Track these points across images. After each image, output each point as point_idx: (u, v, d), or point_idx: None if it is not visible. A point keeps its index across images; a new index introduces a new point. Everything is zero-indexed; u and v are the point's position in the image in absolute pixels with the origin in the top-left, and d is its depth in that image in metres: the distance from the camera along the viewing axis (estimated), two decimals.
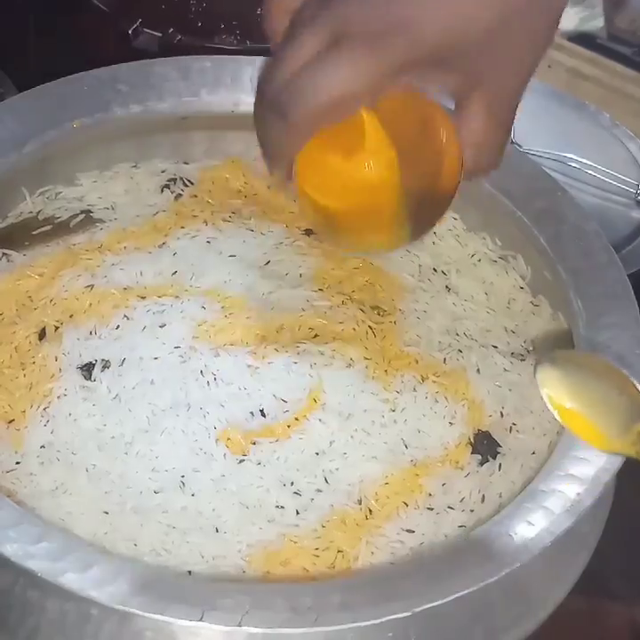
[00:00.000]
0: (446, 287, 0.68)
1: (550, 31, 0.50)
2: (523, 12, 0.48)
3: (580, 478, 0.53)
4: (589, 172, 0.86)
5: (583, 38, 1.07)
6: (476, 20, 0.47)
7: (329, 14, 0.48)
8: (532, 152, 0.85)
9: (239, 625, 0.46)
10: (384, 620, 0.46)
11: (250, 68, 0.70)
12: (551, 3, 0.49)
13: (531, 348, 0.65)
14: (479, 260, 0.70)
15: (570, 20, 1.08)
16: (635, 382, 0.56)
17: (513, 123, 0.52)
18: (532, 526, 0.51)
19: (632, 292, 0.61)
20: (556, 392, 0.58)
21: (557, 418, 0.57)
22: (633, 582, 0.59)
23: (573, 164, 0.86)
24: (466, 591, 0.47)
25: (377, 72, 0.47)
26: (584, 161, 0.86)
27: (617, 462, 0.54)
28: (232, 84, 0.70)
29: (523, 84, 0.50)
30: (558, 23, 0.50)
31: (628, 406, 0.55)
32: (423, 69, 0.47)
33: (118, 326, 0.63)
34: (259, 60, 0.69)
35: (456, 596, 0.47)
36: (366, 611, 0.47)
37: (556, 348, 0.64)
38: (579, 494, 0.52)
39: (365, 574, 0.51)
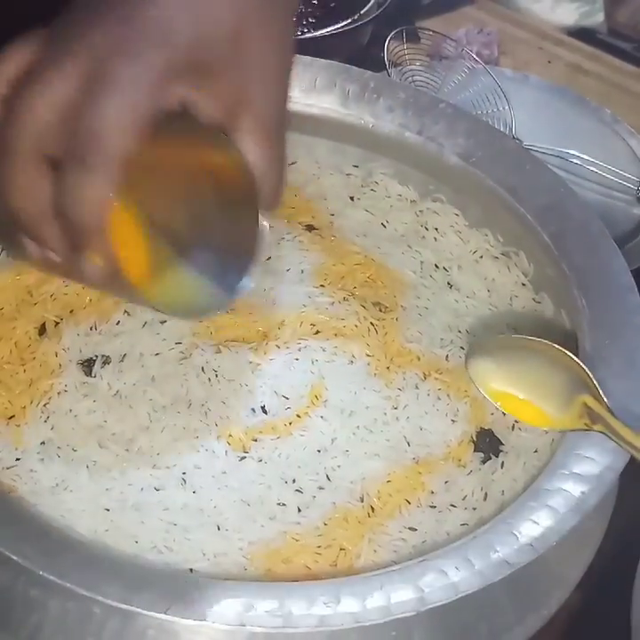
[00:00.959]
0: (448, 283, 0.68)
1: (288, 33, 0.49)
2: (260, 12, 0.47)
3: (585, 477, 0.53)
4: (590, 168, 0.86)
5: (583, 33, 1.07)
6: (221, 21, 0.46)
7: (71, 44, 0.43)
8: (532, 148, 0.84)
9: (242, 624, 0.45)
10: (388, 619, 0.46)
11: None
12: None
13: None
14: (481, 257, 0.70)
15: (570, 15, 1.08)
16: (569, 354, 0.56)
17: (285, 143, 0.49)
18: (537, 525, 0.51)
19: (636, 289, 0.61)
20: (490, 378, 0.58)
21: (499, 407, 0.57)
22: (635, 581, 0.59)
23: (574, 160, 0.86)
24: (471, 590, 0.47)
25: (142, 91, 0.43)
26: (585, 157, 0.86)
27: (622, 461, 0.53)
28: None
29: (285, 86, 0.49)
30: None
31: (567, 381, 0.55)
32: (185, 80, 0.45)
33: (119, 322, 0.62)
34: None
35: (461, 595, 0.47)
36: (371, 610, 0.47)
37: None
38: (583, 493, 0.51)
39: (372, 572, 0.50)
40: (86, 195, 0.42)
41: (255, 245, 0.49)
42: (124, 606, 0.45)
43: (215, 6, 0.46)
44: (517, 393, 0.57)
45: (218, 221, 0.49)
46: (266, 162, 0.48)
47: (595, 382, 0.54)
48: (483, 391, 0.58)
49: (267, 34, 0.47)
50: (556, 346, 0.57)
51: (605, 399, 0.54)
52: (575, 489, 0.52)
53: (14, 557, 0.46)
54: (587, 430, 0.54)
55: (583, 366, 0.55)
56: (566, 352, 0.56)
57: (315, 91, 0.70)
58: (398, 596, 0.47)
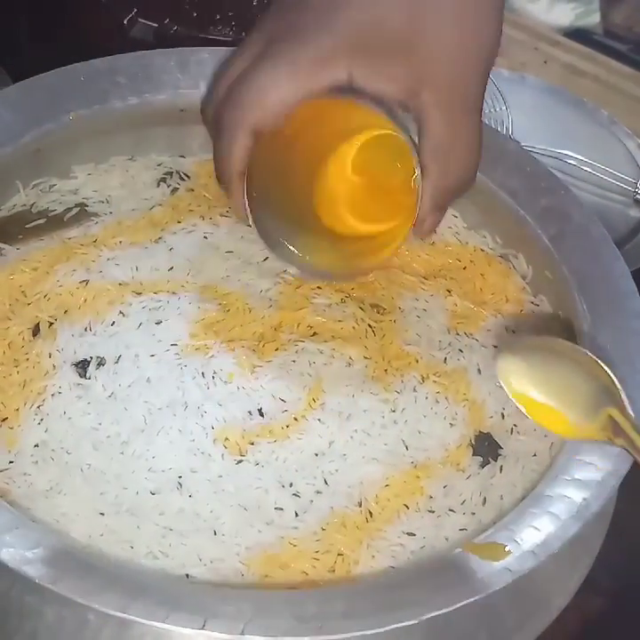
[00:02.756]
0: (446, 285, 0.68)
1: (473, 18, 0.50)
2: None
3: (587, 483, 0.52)
4: (587, 169, 0.86)
5: (579, 34, 1.07)
6: (394, 7, 0.49)
7: (253, 33, 0.52)
8: (528, 149, 0.84)
9: (242, 633, 0.45)
10: (390, 628, 0.45)
11: None
12: None
13: None
14: (480, 259, 0.69)
15: (566, 15, 1.08)
16: (601, 363, 0.54)
17: (480, 123, 0.51)
18: (539, 532, 0.50)
19: (637, 292, 0.60)
20: (519, 382, 0.56)
21: (521, 409, 0.56)
22: (636, 586, 0.59)
23: (571, 162, 0.86)
24: (473, 598, 0.47)
25: (295, 66, 0.49)
26: (581, 158, 0.86)
27: (624, 466, 0.53)
28: None
29: (476, 71, 0.50)
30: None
31: (595, 390, 0.54)
32: (350, 65, 0.49)
33: (114, 323, 0.61)
34: None
35: (463, 603, 0.46)
36: (371, 618, 0.46)
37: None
38: (585, 499, 0.51)
39: (369, 579, 0.50)
40: (221, 154, 0.54)
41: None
42: (121, 615, 0.44)
43: (391, 6, 0.49)
44: (541, 397, 0.56)
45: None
46: (449, 136, 0.51)
47: (623, 395, 0.53)
48: (507, 391, 0.57)
49: (453, 22, 0.49)
50: (588, 353, 0.55)
51: (632, 414, 0.53)
52: (577, 495, 0.52)
53: (10, 565, 0.45)
54: (608, 443, 0.53)
55: (613, 377, 0.54)
56: (597, 360, 0.55)
57: None
58: (400, 604, 0.47)
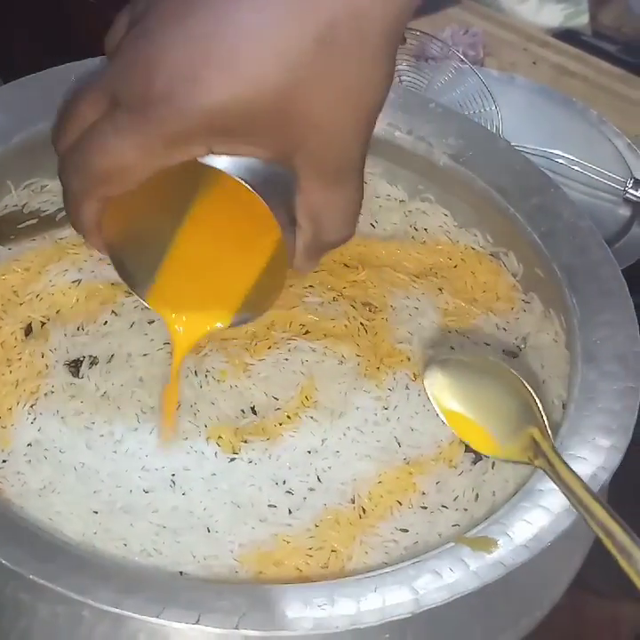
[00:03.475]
0: (437, 284, 0.68)
1: (359, 79, 0.45)
2: (314, 66, 0.44)
3: None
4: (576, 168, 0.86)
5: (568, 35, 1.07)
6: (265, 81, 0.44)
7: (103, 82, 0.47)
8: (518, 148, 0.84)
9: (236, 627, 0.45)
10: (384, 621, 0.45)
11: None
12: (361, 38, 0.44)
13: (522, 346, 0.65)
14: (470, 257, 0.69)
15: (555, 16, 1.08)
16: (524, 382, 0.54)
17: (359, 185, 0.48)
18: (531, 526, 0.50)
19: (627, 290, 0.61)
20: (445, 396, 0.57)
21: (446, 423, 0.56)
22: (627, 582, 0.59)
23: (560, 161, 0.86)
24: (466, 591, 0.47)
25: (145, 144, 0.45)
26: (571, 157, 0.86)
27: (615, 461, 0.53)
28: None
29: (353, 133, 0.47)
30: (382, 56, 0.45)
31: (518, 410, 0.54)
32: (209, 140, 0.45)
33: (106, 322, 0.62)
34: None
35: (456, 596, 0.47)
36: (365, 612, 0.46)
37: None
38: None
39: (364, 574, 0.50)
40: (69, 213, 0.51)
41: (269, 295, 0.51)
42: (115, 610, 0.44)
43: (259, 65, 0.44)
44: (468, 414, 0.56)
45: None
46: (322, 200, 0.48)
47: (543, 415, 0.53)
48: (436, 408, 0.57)
49: (325, 85, 0.44)
50: (513, 371, 0.56)
51: (551, 435, 0.53)
52: None
53: (4, 561, 0.45)
54: (527, 464, 0.53)
55: (535, 397, 0.54)
56: (520, 379, 0.55)
57: None
58: (393, 598, 0.47)
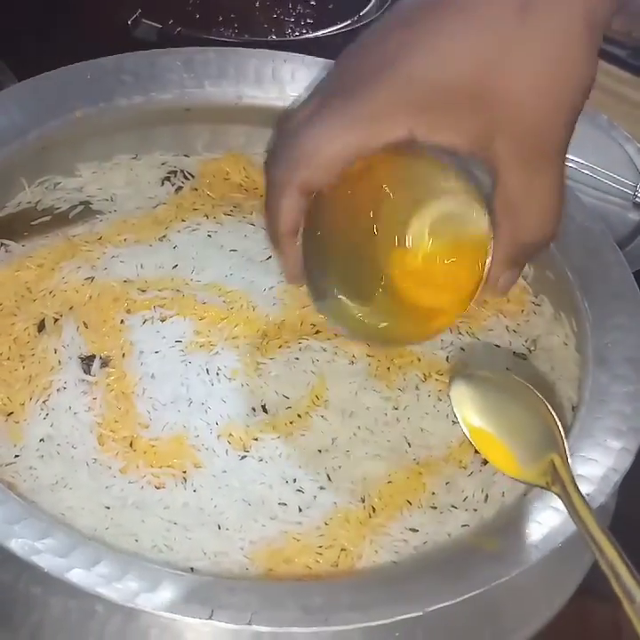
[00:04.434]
0: None
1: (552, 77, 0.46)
2: (520, 34, 0.45)
3: (589, 478, 0.53)
4: (586, 172, 0.86)
5: None
6: (461, 72, 0.45)
7: (314, 90, 0.52)
8: None
9: (249, 623, 0.45)
10: (395, 619, 0.46)
11: (254, 60, 0.69)
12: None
13: (532, 348, 0.65)
14: None
15: None
16: (550, 408, 0.54)
17: (560, 176, 0.48)
18: (542, 526, 0.51)
19: (638, 291, 0.61)
20: (470, 412, 0.56)
21: (469, 439, 0.55)
22: None
23: (571, 165, 0.86)
24: (477, 591, 0.47)
25: (351, 121, 0.47)
26: (581, 162, 0.86)
27: (626, 462, 0.53)
28: (235, 76, 0.69)
29: (556, 112, 0.46)
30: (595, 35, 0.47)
31: (542, 433, 0.54)
32: (412, 121, 0.46)
33: (119, 320, 0.62)
34: (262, 53, 0.70)
35: (468, 595, 0.47)
36: (377, 610, 0.46)
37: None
38: (588, 494, 0.51)
39: (373, 573, 0.50)
40: (269, 212, 0.52)
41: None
42: (130, 605, 0.44)
43: (456, 58, 0.45)
44: (493, 432, 0.55)
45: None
46: (523, 191, 0.47)
47: (565, 443, 0.52)
48: (461, 422, 0.56)
49: (527, 58, 0.45)
50: (539, 395, 0.55)
51: (570, 463, 0.52)
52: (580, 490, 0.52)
53: (19, 555, 0.45)
54: (545, 489, 0.52)
55: (559, 424, 0.53)
56: (546, 404, 0.54)
57: None
58: (405, 596, 0.47)
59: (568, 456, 0.52)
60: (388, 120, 0.46)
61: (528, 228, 0.48)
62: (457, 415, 0.56)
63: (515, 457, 0.54)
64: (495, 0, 0.46)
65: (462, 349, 0.64)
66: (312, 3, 0.90)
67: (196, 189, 0.70)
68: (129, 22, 0.80)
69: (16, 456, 0.56)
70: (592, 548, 0.47)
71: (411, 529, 0.56)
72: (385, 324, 0.55)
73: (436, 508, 0.57)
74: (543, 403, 0.54)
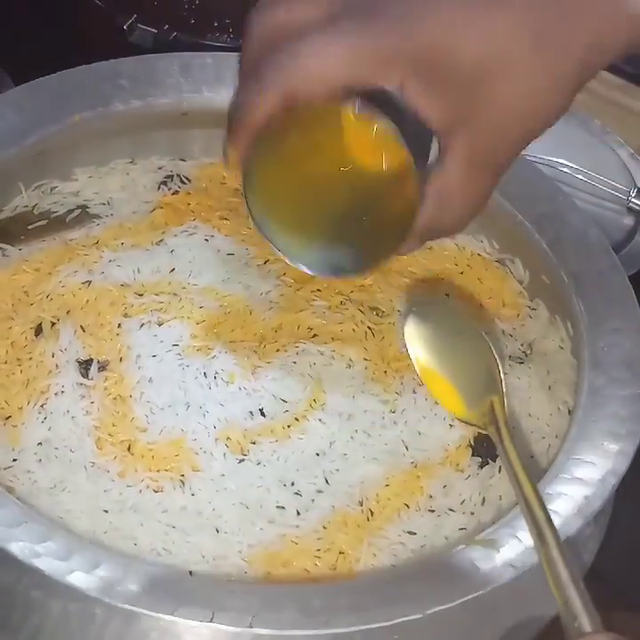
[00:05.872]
0: (444, 289, 0.68)
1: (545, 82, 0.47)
2: (527, 57, 0.46)
3: (587, 481, 0.53)
4: (580, 177, 0.86)
5: None
6: (466, 46, 0.45)
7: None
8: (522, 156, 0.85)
9: (250, 626, 0.45)
10: (395, 622, 0.46)
11: None
12: (569, 48, 0.46)
13: (528, 352, 0.65)
14: (477, 263, 0.70)
15: None
16: (493, 351, 0.56)
17: (491, 188, 0.50)
18: None
19: (634, 297, 0.61)
20: (422, 351, 0.57)
21: (419, 377, 0.57)
22: (635, 587, 0.59)
23: (565, 170, 0.86)
24: (477, 593, 0.47)
25: (357, 51, 0.46)
26: (575, 166, 0.86)
27: (624, 465, 0.54)
28: (233, 81, 0.69)
29: (517, 141, 0.48)
30: (578, 79, 0.47)
31: (485, 376, 0.55)
32: (407, 74, 0.46)
33: (116, 323, 0.62)
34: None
35: (467, 598, 0.47)
36: (377, 613, 0.47)
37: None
38: (586, 497, 0.52)
39: (371, 576, 0.50)
40: (246, 99, 0.49)
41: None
42: (130, 608, 0.44)
43: (469, 32, 0.45)
44: (443, 373, 0.57)
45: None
46: (459, 188, 0.48)
47: (503, 385, 0.55)
48: (414, 362, 0.57)
49: (525, 78, 0.46)
50: (485, 337, 0.57)
51: (506, 407, 0.54)
52: (578, 493, 0.52)
53: (19, 558, 0.45)
54: (481, 429, 0.55)
55: (499, 366, 0.56)
56: (491, 347, 0.56)
57: None
58: (404, 599, 0.47)
59: (505, 398, 0.55)
60: (390, 64, 0.46)
61: (449, 216, 0.50)
62: (410, 354, 0.57)
63: (461, 398, 0.56)
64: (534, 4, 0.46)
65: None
66: None
67: (192, 194, 0.70)
68: (125, 27, 0.80)
69: (14, 460, 0.56)
70: (514, 486, 0.50)
71: (408, 532, 0.56)
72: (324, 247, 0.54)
73: (433, 511, 0.57)
74: (488, 344, 0.56)
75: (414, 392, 0.61)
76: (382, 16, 0.46)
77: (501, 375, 0.55)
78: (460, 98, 0.46)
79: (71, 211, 0.67)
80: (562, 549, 0.46)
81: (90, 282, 0.63)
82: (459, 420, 0.58)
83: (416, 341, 0.57)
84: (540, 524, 0.47)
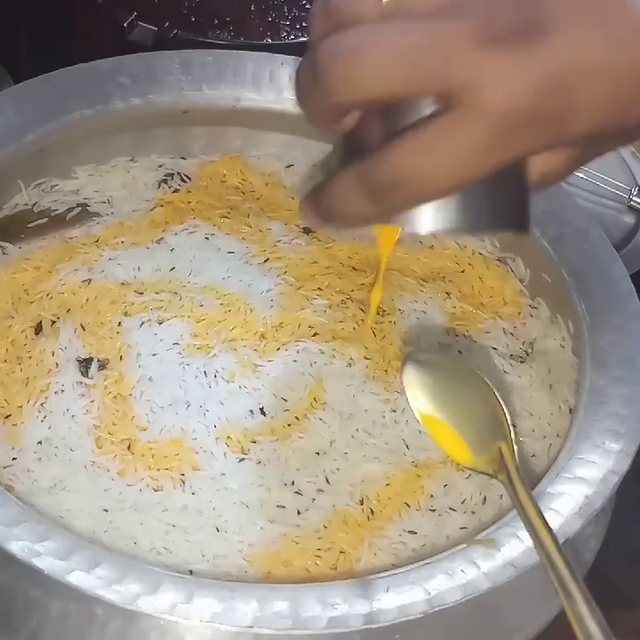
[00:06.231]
0: (444, 288, 0.68)
1: None
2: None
3: (588, 480, 0.53)
4: (581, 176, 0.86)
5: None
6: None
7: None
8: None
9: (250, 626, 0.45)
10: (398, 621, 0.46)
11: (251, 63, 0.70)
12: None
13: (529, 351, 0.65)
14: (478, 262, 0.70)
15: None
16: (497, 395, 0.54)
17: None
18: None
19: (636, 295, 0.61)
20: (422, 398, 0.56)
21: (421, 424, 0.55)
22: (636, 585, 0.59)
23: None
24: (478, 593, 0.47)
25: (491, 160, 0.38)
26: None
27: (625, 464, 0.54)
28: (233, 80, 0.69)
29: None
30: None
31: (491, 421, 0.54)
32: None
33: (116, 322, 0.62)
34: (260, 56, 0.70)
35: (468, 597, 0.47)
36: (377, 612, 0.46)
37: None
38: (587, 497, 0.52)
39: (373, 575, 0.50)
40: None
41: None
42: (130, 607, 0.44)
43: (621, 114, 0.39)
44: (445, 420, 0.55)
45: None
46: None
47: (511, 431, 0.53)
48: (414, 409, 0.56)
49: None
50: (487, 381, 0.55)
51: (516, 452, 0.52)
52: (579, 492, 0.52)
53: (19, 557, 0.45)
54: (491, 477, 0.53)
55: (505, 411, 0.54)
56: (493, 390, 0.55)
57: None
58: (406, 598, 0.47)
59: (514, 444, 0.53)
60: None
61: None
62: (410, 402, 0.56)
63: (466, 445, 0.54)
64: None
65: (459, 352, 0.64)
66: (307, 6, 0.90)
67: (193, 192, 0.70)
68: (125, 25, 0.80)
69: (14, 458, 0.56)
70: (531, 534, 0.47)
71: (409, 531, 0.56)
72: None
73: (434, 510, 0.57)
74: (492, 390, 0.55)
75: None
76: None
77: (508, 421, 0.53)
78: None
79: (71, 209, 0.67)
80: (589, 602, 0.43)
81: (90, 280, 0.63)
82: (466, 468, 0.56)
83: (416, 388, 0.56)
84: (563, 578, 0.44)
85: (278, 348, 0.62)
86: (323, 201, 0.42)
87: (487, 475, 0.53)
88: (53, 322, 0.61)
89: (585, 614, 0.42)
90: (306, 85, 0.39)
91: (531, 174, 0.43)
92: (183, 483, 0.56)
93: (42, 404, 0.58)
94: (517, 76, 0.37)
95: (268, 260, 0.66)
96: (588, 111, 0.39)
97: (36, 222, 0.66)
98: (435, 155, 0.38)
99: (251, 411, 0.59)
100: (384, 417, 0.60)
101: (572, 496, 0.52)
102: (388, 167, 0.39)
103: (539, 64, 0.37)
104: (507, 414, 0.54)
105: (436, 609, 0.47)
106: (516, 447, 0.53)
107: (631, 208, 0.86)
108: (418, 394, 0.56)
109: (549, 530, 0.46)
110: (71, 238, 0.66)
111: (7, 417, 0.58)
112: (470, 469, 0.55)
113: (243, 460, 0.57)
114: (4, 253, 0.64)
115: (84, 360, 0.60)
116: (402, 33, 0.38)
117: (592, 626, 0.42)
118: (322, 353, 0.62)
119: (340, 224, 0.42)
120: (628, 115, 0.39)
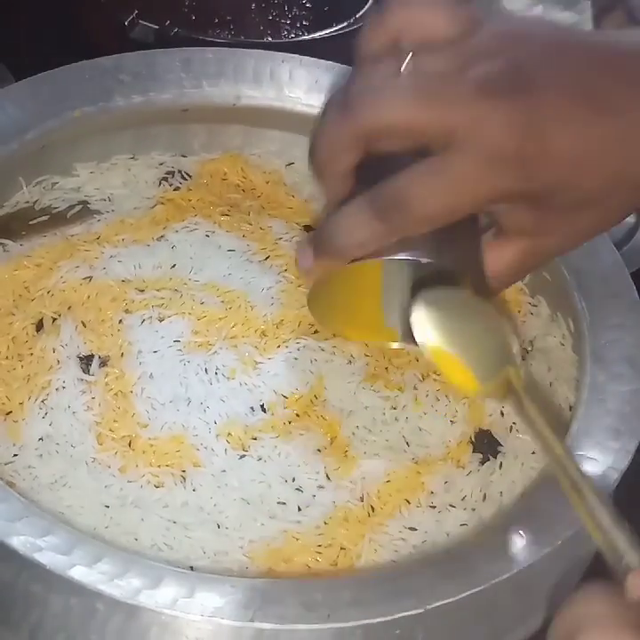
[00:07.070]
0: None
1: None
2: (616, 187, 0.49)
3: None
4: None
5: None
6: (584, 184, 0.48)
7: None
8: None
9: (251, 620, 0.45)
10: (397, 616, 0.46)
11: (252, 60, 0.70)
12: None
13: (530, 349, 0.65)
14: None
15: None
16: (509, 328, 0.55)
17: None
18: None
19: (636, 293, 0.61)
20: (430, 331, 0.56)
21: (429, 357, 0.55)
22: None
23: None
24: (478, 588, 0.47)
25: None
26: None
27: (625, 460, 0.54)
28: (234, 77, 0.69)
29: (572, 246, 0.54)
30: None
31: (499, 348, 0.54)
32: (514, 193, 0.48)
33: (117, 319, 0.62)
34: (261, 54, 0.70)
35: (468, 593, 0.47)
36: (378, 607, 0.47)
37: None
38: None
39: (374, 571, 0.50)
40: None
41: None
42: (132, 602, 0.44)
43: (584, 171, 0.48)
44: (452, 350, 0.55)
45: None
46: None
47: (517, 353, 0.54)
48: (422, 347, 0.55)
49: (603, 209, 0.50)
50: (495, 309, 0.56)
51: (522, 374, 0.53)
52: None
53: (21, 552, 0.45)
54: (500, 400, 0.54)
55: (514, 335, 0.55)
56: (504, 317, 0.57)
57: (316, 91, 0.70)
58: (406, 594, 0.47)
59: (518, 366, 0.53)
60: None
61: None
62: (417, 339, 0.55)
63: (473, 374, 0.54)
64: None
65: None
66: (308, 5, 0.91)
67: (194, 190, 0.70)
68: (126, 23, 0.80)
69: (15, 455, 0.56)
70: (543, 449, 0.49)
71: (409, 528, 0.56)
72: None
73: (434, 507, 0.57)
74: (502, 320, 0.56)
75: (415, 388, 0.61)
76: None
77: (517, 344, 0.54)
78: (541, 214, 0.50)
79: (72, 206, 0.67)
80: (600, 497, 0.46)
81: (91, 277, 0.63)
82: (474, 395, 0.57)
83: (424, 324, 0.56)
84: (575, 479, 0.47)
85: (279, 346, 0.62)
86: (326, 231, 0.51)
87: (496, 399, 0.54)
88: (54, 319, 0.61)
89: (595, 505, 0.46)
90: (334, 111, 0.49)
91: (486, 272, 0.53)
92: (184, 479, 0.56)
93: (43, 401, 0.58)
94: (504, 125, 0.46)
95: (268, 257, 0.66)
96: (557, 157, 0.47)
97: (37, 220, 0.66)
98: (436, 180, 0.47)
99: (251, 407, 0.59)
100: (384, 414, 0.60)
101: None
102: (396, 188, 0.47)
103: (522, 115, 0.46)
104: (515, 342, 0.54)
105: (436, 605, 0.47)
106: (521, 369, 0.53)
107: None
108: (426, 329, 0.56)
109: (560, 439, 0.49)
110: (72, 236, 0.66)
111: (8, 414, 0.58)
112: (480, 396, 0.56)
113: (243, 456, 0.57)
114: (5, 251, 0.64)
115: (85, 357, 0.60)
116: (421, 78, 0.47)
117: (604, 517, 0.45)
118: (322, 350, 0.62)
119: (341, 253, 0.51)
120: (583, 179, 0.48)
